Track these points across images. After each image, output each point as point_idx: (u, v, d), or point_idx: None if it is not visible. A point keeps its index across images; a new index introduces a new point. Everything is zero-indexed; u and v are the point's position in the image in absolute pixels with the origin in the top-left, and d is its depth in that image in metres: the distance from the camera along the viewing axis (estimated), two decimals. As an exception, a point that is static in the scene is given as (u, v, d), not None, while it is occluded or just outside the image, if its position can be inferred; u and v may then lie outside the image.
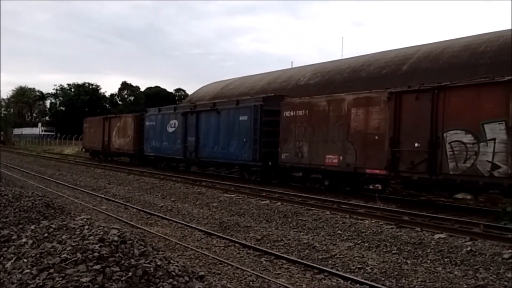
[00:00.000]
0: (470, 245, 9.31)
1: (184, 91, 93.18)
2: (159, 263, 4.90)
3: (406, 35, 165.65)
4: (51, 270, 4.53)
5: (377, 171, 15.49)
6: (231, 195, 16.53)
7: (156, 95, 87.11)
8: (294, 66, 43.10)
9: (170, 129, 27.28)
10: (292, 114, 18.94)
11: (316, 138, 17.81)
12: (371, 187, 16.83)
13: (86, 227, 5.70)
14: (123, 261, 4.75)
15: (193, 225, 11.89)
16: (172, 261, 5.21)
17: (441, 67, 23.50)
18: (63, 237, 5.38)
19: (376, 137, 15.53)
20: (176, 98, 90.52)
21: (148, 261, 4.89)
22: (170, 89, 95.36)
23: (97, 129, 38.28)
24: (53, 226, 5.97)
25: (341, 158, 16.74)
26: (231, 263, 8.27)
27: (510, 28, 24.17)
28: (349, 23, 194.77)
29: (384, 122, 15.31)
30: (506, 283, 7.32)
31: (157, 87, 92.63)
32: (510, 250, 8.84)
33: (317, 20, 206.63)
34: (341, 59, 36.01)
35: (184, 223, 12.19)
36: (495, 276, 7.66)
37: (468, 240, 9.74)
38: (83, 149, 43.06)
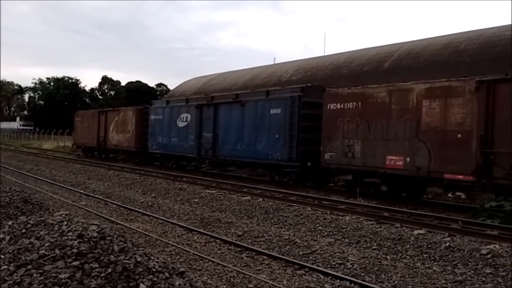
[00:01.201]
0: (449, 241, 9.44)
1: (165, 86, 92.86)
2: (139, 259, 4.85)
3: (388, 32, 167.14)
4: (29, 267, 4.46)
5: (460, 177, 12.94)
6: (212, 191, 16.49)
7: (137, 90, 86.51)
8: (276, 62, 43.12)
9: (181, 124, 24.48)
10: (339, 107, 16.25)
11: (372, 136, 15.18)
12: (450, 195, 15.51)
13: (65, 223, 5.62)
14: (102, 257, 4.69)
15: (174, 221, 11.83)
16: (152, 257, 5.17)
17: (422, 64, 23.72)
18: (41, 233, 5.31)
19: (459, 135, 13.02)
20: (158, 93, 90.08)
21: (128, 257, 4.84)
22: (152, 83, 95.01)
23: (90, 124, 35.06)
24: (31, 222, 5.89)
25: (408, 159, 14.15)
26: (212, 259, 8.25)
27: (490, 26, 24.54)
28: (331, 19, 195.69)
29: (471, 117, 12.76)
30: (484, 278, 7.43)
31: (138, 82, 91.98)
32: (488, 246, 8.99)
33: (300, 16, 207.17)
34: (323, 56, 36.11)
35: (165, 219, 12.12)
36: (473, 271, 7.78)
37: (446, 236, 9.88)
38: (74, 146, 39.73)
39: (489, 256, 8.41)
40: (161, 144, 26.10)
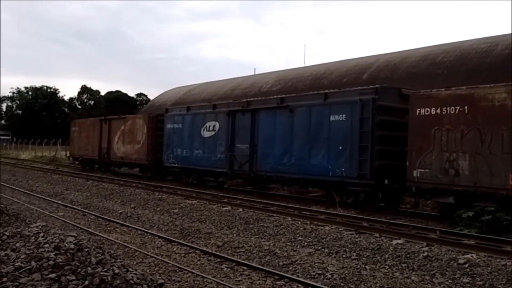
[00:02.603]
0: (427, 250, 9.53)
1: (146, 96, 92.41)
2: (117, 271, 4.81)
3: (367, 44, 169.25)
4: (4, 279, 4.39)
5: None
6: (192, 202, 16.40)
7: (117, 100, 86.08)
8: (257, 72, 43.32)
9: (207, 134, 21.24)
10: (433, 113, 13.22)
11: (486, 148, 12.15)
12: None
13: (41, 234, 5.56)
14: (79, 270, 4.64)
15: (153, 232, 11.73)
16: (130, 269, 5.13)
17: (400, 76, 24.08)
18: (17, 244, 5.23)
19: None
20: (138, 103, 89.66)
21: (105, 269, 4.79)
22: (132, 93, 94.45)
23: (90, 134, 31.65)
24: (7, 233, 5.79)
25: None
26: (192, 270, 8.20)
27: (466, 39, 25.06)
28: (311, 31, 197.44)
29: None
30: (461, 287, 7.52)
31: (118, 92, 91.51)
32: (465, 256, 9.10)
33: (281, 27, 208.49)
34: (303, 67, 36.42)
35: (144, 229, 12.01)
36: (451, 281, 7.86)
37: (425, 245, 9.97)
38: (70, 157, 36.48)
39: (466, 265, 8.51)
40: (181, 157, 22.77)
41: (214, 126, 20.94)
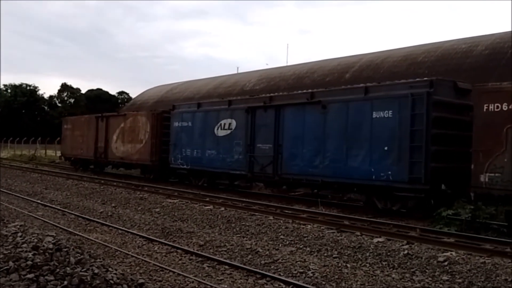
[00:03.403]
0: (407, 248, 9.62)
1: (127, 94, 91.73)
2: (96, 271, 4.75)
3: (349, 43, 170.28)
4: (-20, 280, 4.30)
5: None
6: (174, 200, 16.31)
7: (98, 98, 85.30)
8: (240, 71, 43.31)
9: (221, 132, 19.54)
10: (506, 109, 11.55)
11: None
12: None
13: (19, 234, 5.47)
14: (58, 270, 4.58)
15: (134, 231, 11.64)
16: (110, 269, 5.07)
17: (382, 75, 24.25)
18: (-6, 245, 5.13)
19: None
20: (119, 101, 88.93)
21: (84, 269, 4.74)
22: (113, 91, 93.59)
23: (85, 132, 29.67)
24: (-17, 233, 5.68)
25: None
26: (173, 270, 8.15)
27: (447, 40, 25.38)
28: (295, 30, 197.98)
29: None
30: (441, 285, 7.60)
31: (99, 90, 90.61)
32: (445, 253, 9.20)
33: (265, 26, 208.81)
34: (286, 66, 36.56)
35: (125, 229, 11.91)
36: (430, 278, 7.94)
37: (405, 243, 10.05)
38: (62, 157, 34.47)
39: (446, 263, 8.60)
40: (190, 158, 21.03)
41: (230, 124, 19.24)
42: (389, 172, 13.60)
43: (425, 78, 14.18)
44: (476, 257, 8.96)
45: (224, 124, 19.50)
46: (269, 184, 18.86)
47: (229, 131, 19.27)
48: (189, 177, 21.75)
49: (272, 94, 18.95)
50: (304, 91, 17.93)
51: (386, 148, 13.74)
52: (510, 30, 22.79)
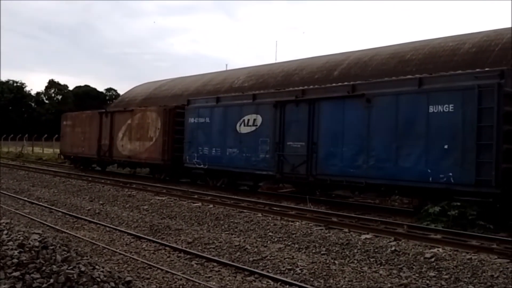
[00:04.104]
0: (395, 245, 9.68)
1: (115, 90, 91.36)
2: (83, 269, 4.72)
3: (338, 40, 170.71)
4: (-35, 279, 4.25)
5: None
6: (162, 198, 16.26)
7: (86, 95, 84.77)
8: (229, 68, 43.24)
9: (245, 129, 18.08)
10: None
11: None
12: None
13: (5, 232, 5.42)
14: (44, 268, 4.55)
15: (122, 229, 11.58)
16: (97, 267, 5.04)
17: (370, 73, 24.33)
18: (-21, 243, 5.07)
19: None
20: (107, 98, 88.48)
21: (71, 267, 4.70)
22: (101, 88, 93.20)
23: (87, 129, 27.91)
24: (-32, 231, 5.62)
25: None
26: (161, 267, 8.13)
27: (435, 37, 25.53)
28: (284, 27, 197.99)
29: None
30: (428, 281, 7.66)
31: (86, 86, 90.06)
32: (431, 250, 9.28)
33: (253, 23, 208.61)
34: (275, 63, 36.50)
35: (113, 226, 11.85)
36: (417, 275, 8.00)
37: (392, 240, 10.12)
38: (61, 155, 32.50)
39: (433, 259, 8.67)
40: (208, 157, 19.59)
41: (255, 120, 17.74)
42: (450, 174, 12.15)
43: (494, 68, 12.83)
44: (463, 253, 9.04)
45: (248, 120, 18.02)
46: (301, 186, 17.28)
47: (253, 128, 17.83)
48: (206, 177, 20.30)
49: (304, 87, 17.19)
50: (345, 83, 16.27)
51: (446, 146, 12.30)
52: (497, 28, 23.01)
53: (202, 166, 19.89)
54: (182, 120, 21.38)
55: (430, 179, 12.51)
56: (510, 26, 21.80)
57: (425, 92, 12.88)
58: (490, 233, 10.68)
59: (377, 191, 14.68)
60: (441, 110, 12.41)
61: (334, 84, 17.42)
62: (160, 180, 22.33)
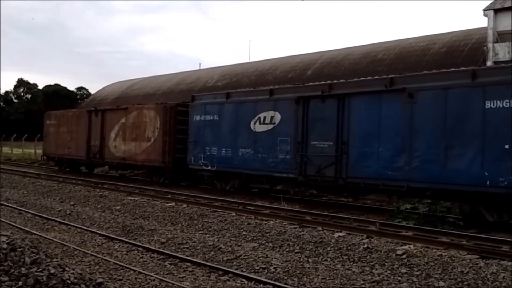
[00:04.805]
0: (367, 242, 9.78)
1: (86, 90, 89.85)
2: (52, 271, 4.63)
3: (311, 40, 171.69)
4: None
5: None
6: (135, 198, 16.08)
7: (56, 94, 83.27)
8: (202, 67, 43.07)
9: (260, 128, 16.37)
10: None
11: None
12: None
13: (-29, 234, 5.27)
14: (12, 270, 4.45)
15: (94, 230, 11.42)
16: (67, 269, 4.95)
17: (343, 73, 24.59)
18: None
19: None
20: (78, 97, 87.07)
21: (40, 269, 4.61)
22: (72, 87, 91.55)
23: (74, 128, 25.78)
24: None
25: None
26: (134, 268, 8.03)
27: (406, 38, 25.93)
28: (258, 26, 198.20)
29: None
30: (399, 278, 7.76)
31: (57, 85, 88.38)
32: (403, 247, 9.41)
33: (227, 22, 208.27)
34: (249, 62, 36.59)
35: (84, 227, 11.68)
36: (389, 271, 8.10)
37: (365, 238, 10.22)
38: (44, 157, 30.09)
39: (404, 256, 8.79)
40: (217, 158, 17.80)
41: (272, 117, 16.07)
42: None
43: None
44: (433, 250, 9.19)
45: (265, 117, 16.34)
46: (329, 190, 16.08)
47: (271, 126, 16.13)
48: (213, 180, 18.52)
49: (332, 82, 15.63)
50: (383, 76, 14.72)
51: (507, 146, 10.80)
52: (466, 28, 23.51)
53: (209, 167, 18.15)
54: (184, 119, 19.69)
55: (488, 182, 11.02)
56: (479, 26, 22.30)
57: (481, 85, 11.38)
58: (459, 229, 10.88)
59: (423, 196, 13.01)
60: (500, 106, 10.91)
61: (369, 78, 16.11)
62: (159, 183, 20.47)
